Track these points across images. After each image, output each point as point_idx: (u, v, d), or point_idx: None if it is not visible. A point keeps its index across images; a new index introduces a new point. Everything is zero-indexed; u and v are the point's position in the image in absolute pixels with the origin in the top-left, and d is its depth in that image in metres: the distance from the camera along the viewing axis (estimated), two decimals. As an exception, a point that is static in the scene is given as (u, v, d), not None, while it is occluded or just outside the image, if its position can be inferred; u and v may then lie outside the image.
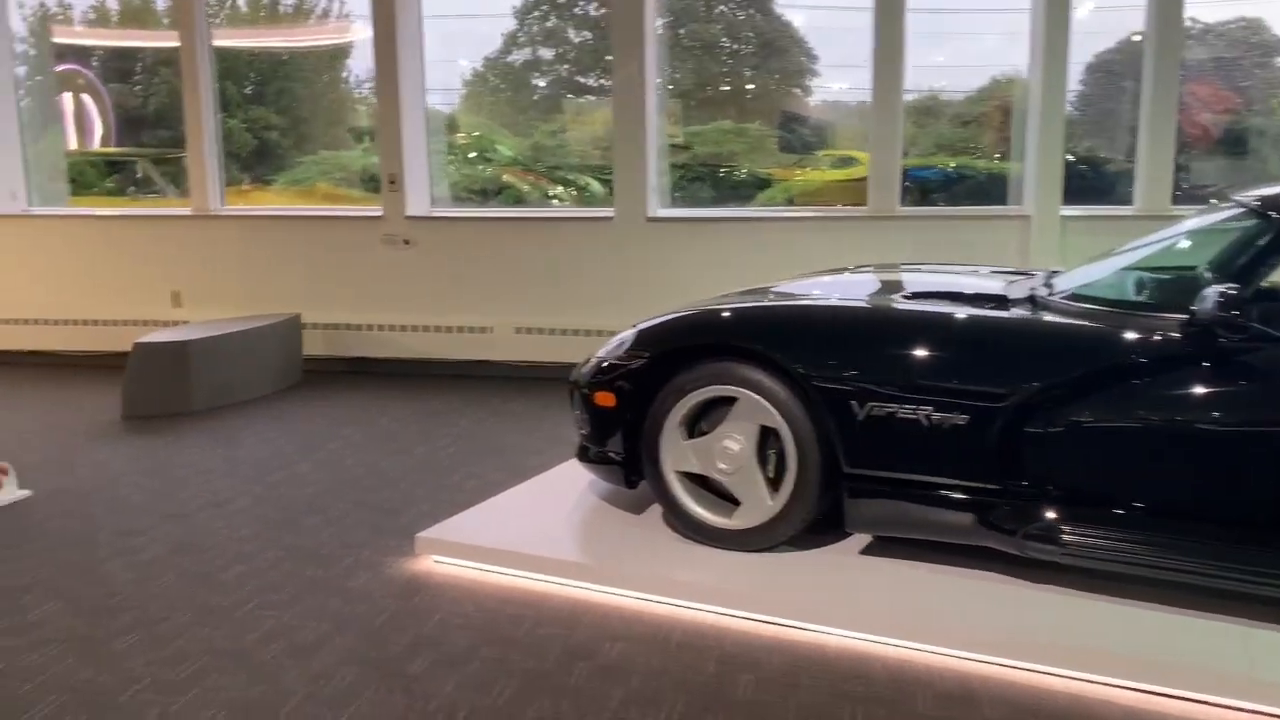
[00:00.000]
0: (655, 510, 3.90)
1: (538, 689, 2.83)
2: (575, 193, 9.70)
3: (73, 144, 8.97)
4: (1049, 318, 3.29)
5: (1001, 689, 2.79)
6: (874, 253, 6.03)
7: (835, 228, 6.56)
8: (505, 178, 9.65)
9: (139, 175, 9.90)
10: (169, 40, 9.97)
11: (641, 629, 3.17)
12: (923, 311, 3.36)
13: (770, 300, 3.81)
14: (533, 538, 3.71)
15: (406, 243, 7.00)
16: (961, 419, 3.11)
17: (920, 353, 3.21)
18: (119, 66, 11.22)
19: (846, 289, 4.05)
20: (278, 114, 10.68)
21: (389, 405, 6.28)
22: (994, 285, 3.86)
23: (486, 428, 5.71)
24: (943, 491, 3.18)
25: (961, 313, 3.32)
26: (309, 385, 6.83)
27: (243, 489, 4.66)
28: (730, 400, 3.48)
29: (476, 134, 9.47)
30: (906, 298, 3.59)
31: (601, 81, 10.99)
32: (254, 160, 8.56)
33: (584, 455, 3.92)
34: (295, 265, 7.22)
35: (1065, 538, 3.04)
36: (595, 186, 9.50)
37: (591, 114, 10.90)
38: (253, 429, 5.74)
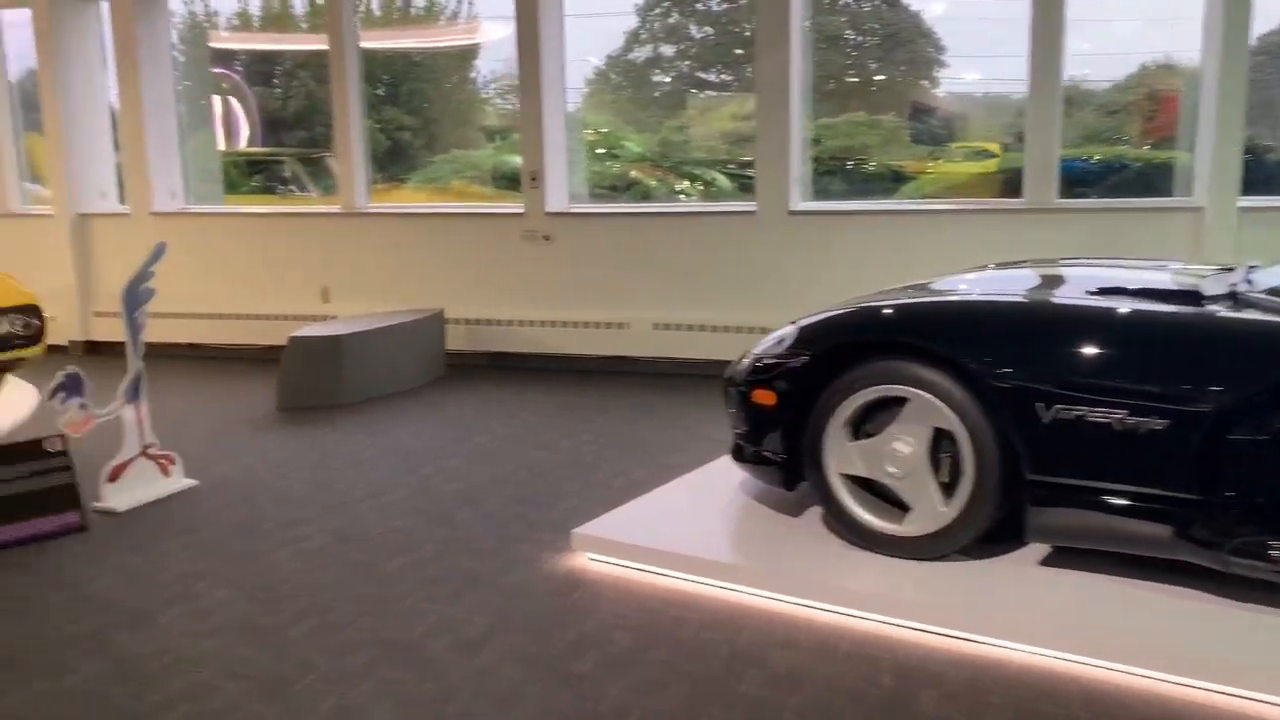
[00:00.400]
0: (813, 512, 3.79)
1: (708, 695, 2.75)
2: (702, 187, 9.63)
3: (220, 145, 9.32)
4: (1258, 316, 3.04)
5: (1208, 715, 2.59)
6: (1030, 248, 5.77)
7: (985, 221, 6.30)
8: (633, 173, 9.65)
9: (286, 174, 10.24)
10: (314, 43, 10.27)
11: (807, 637, 3.07)
12: (1117, 308, 3.15)
13: (936, 296, 3.65)
14: (689, 538, 3.65)
15: (546, 238, 7.03)
16: (1159, 424, 2.90)
17: (1114, 352, 3.02)
18: (260, 70, 11.63)
19: (1014, 284, 3.85)
20: (409, 115, 10.92)
21: (530, 400, 6.31)
22: (1184, 281, 3.62)
23: (627, 424, 5.68)
24: (1137, 501, 2.98)
25: (1160, 309, 3.10)
26: (452, 379, 6.92)
27: (397, 480, 4.73)
28: (899, 401, 3.34)
29: (604, 130, 9.48)
30: (1092, 293, 3.38)
31: (723, 76, 10.89)
32: (387, 160, 8.75)
33: (739, 455, 3.83)
34: (438, 261, 7.33)
35: (1275, 553, 2.81)
36: (722, 181, 9.40)
37: (717, 109, 10.81)
38: (402, 421, 5.84)
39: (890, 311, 3.48)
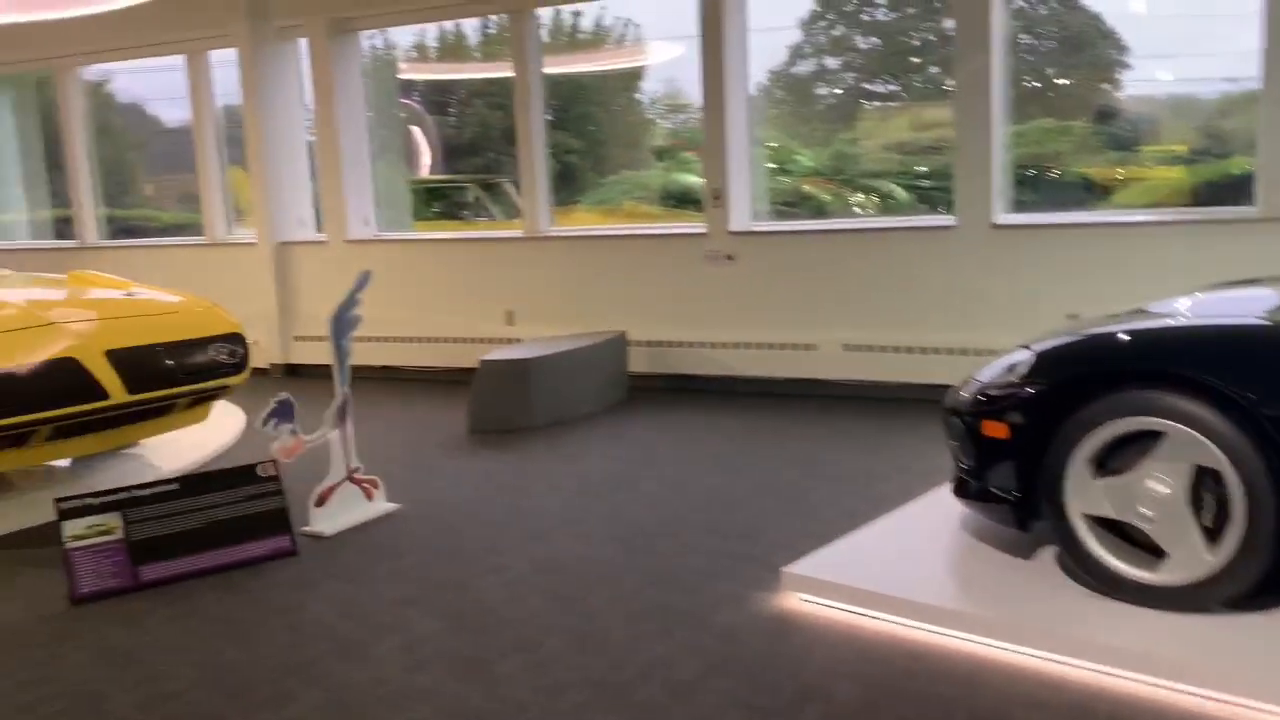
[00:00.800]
0: (1046, 554, 3.48)
1: (954, 760, 2.51)
2: (878, 200, 9.29)
3: (406, 173, 9.60)
4: None
5: None
6: (1271, 263, 5.23)
7: (1210, 233, 5.77)
8: (805, 188, 9.41)
9: (469, 200, 10.47)
10: (490, 72, 10.49)
11: (1058, 697, 2.78)
12: None
13: (1193, 320, 3.29)
14: (911, 580, 3.40)
15: (729, 258, 6.88)
16: None
17: None
18: (436, 100, 11.95)
19: (1260, 305, 3.43)
20: (576, 138, 11.01)
21: (717, 424, 6.16)
22: None
23: (824, 450, 5.45)
24: None
25: None
26: (635, 402, 6.85)
27: (592, 508, 4.66)
28: (1153, 435, 3.01)
29: (775, 145, 9.28)
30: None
31: (890, 87, 10.51)
32: (558, 183, 8.81)
33: (963, 490, 3.56)
34: (619, 282, 7.29)
35: None
36: (899, 193, 9.04)
37: (890, 119, 10.45)
38: (590, 446, 5.78)
39: (1142, 336, 3.15)
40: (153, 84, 10.31)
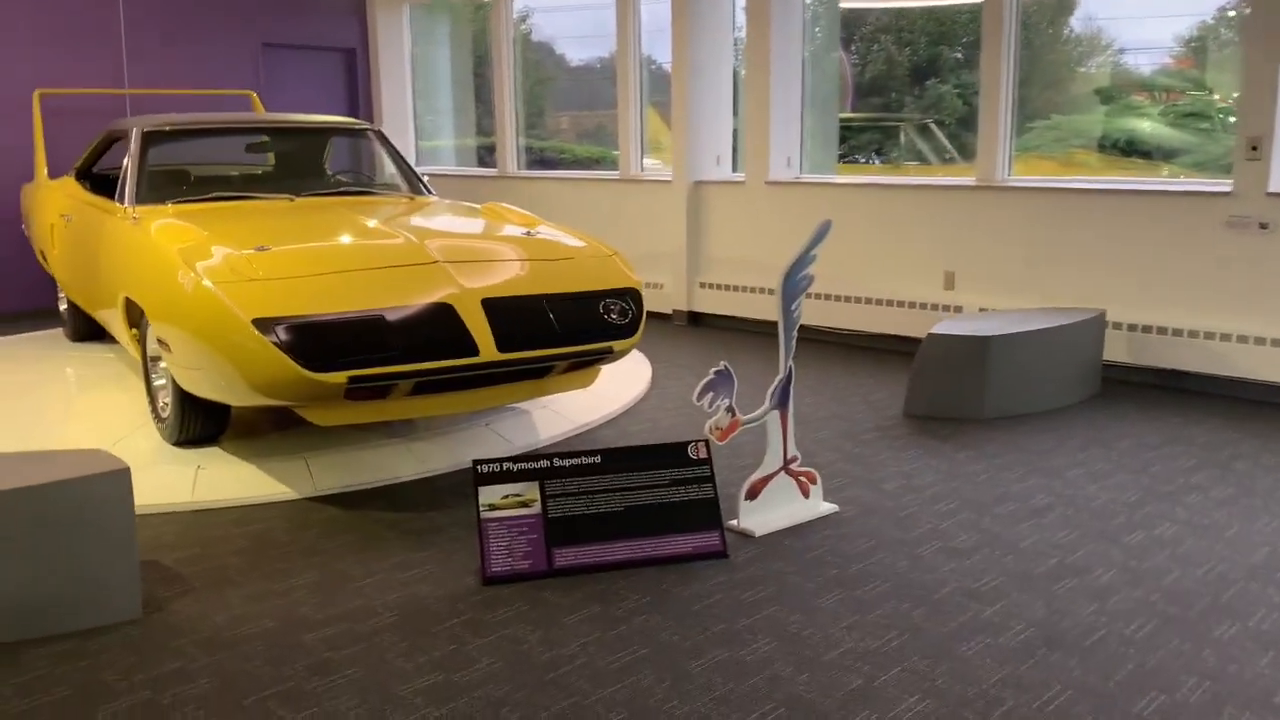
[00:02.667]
0: None
1: None
2: None
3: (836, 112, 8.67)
4: None
5: None
6: None
7: None
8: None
9: (901, 140, 9.39)
10: (903, 4, 9.19)
11: None
12: None
13: None
14: None
15: (1263, 226, 5.33)
16: None
17: None
18: (841, 35, 10.86)
19: None
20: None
21: (1234, 441, 4.75)
22: None
23: None
24: None
25: None
26: (1109, 399, 5.55)
27: (1097, 552, 3.56)
28: None
29: None
30: None
31: None
32: (959, 128, 7.49)
33: None
34: (1094, 249, 5.96)
35: None
36: None
37: None
38: (1065, 454, 4.63)
39: None
40: (562, 24, 10.28)
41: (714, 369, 3.62)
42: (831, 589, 3.28)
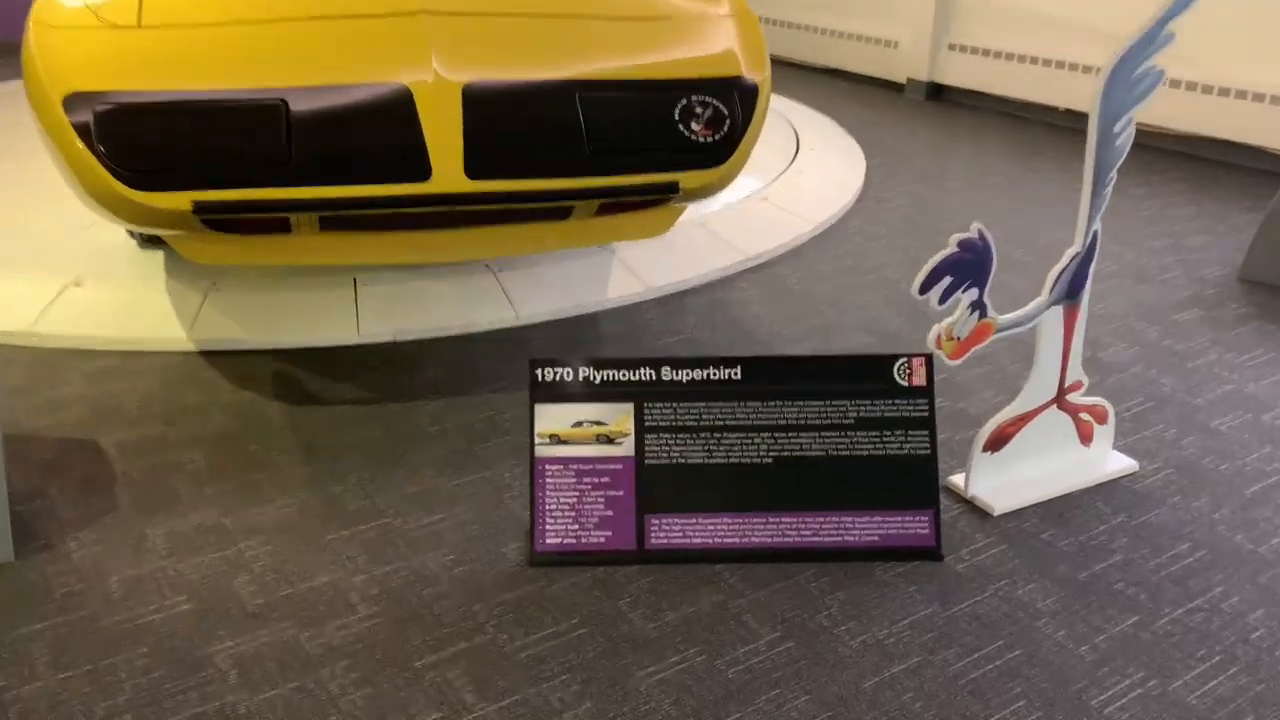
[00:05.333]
0: None
1: None
2: None
3: None
4: None
5: None
6: None
7: None
8: None
9: None
10: None
11: None
12: None
13: None
14: None
15: None
16: None
17: None
18: None
19: None
20: None
21: None
22: None
23: None
24: None
25: None
26: None
27: None
28: None
29: None
30: None
31: None
32: None
33: None
34: None
35: None
36: None
37: None
38: None
39: None
40: None
41: (958, 238, 2.04)
42: (1133, 656, 1.81)
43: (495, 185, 2.39)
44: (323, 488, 2.30)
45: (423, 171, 2.34)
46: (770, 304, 3.28)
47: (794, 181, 4.26)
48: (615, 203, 2.59)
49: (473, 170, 2.36)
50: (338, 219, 2.46)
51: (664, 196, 2.58)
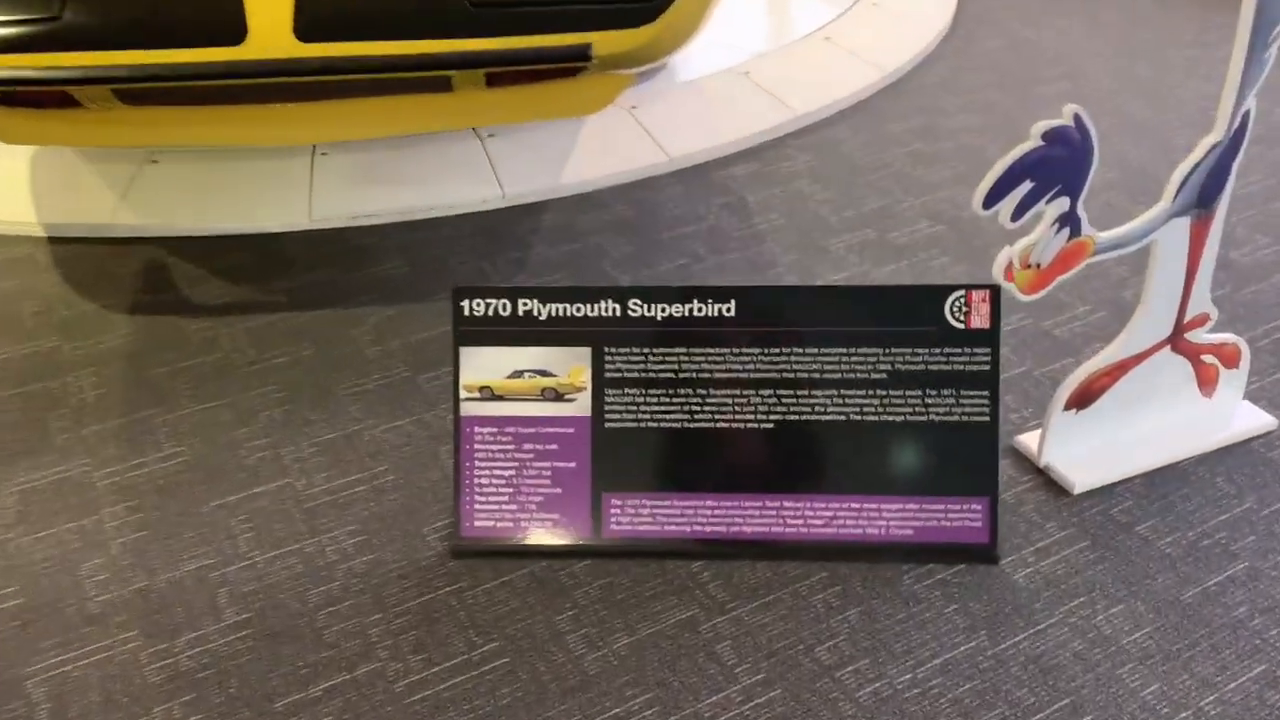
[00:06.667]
0: None
1: None
2: None
3: None
4: None
5: None
6: None
7: None
8: None
9: None
10: None
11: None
12: None
13: None
14: None
15: None
16: None
17: None
18: None
19: None
20: None
21: None
22: None
23: None
24: None
25: None
26: None
27: None
28: None
29: None
30: None
31: None
32: None
33: None
34: None
35: None
36: None
37: None
38: None
39: None
40: None
41: (1043, 126, 1.42)
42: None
43: (335, 49, 1.83)
44: (224, 431, 1.86)
45: (234, 34, 1.80)
46: (820, 180, 2.67)
47: (865, 15, 3.54)
48: (509, 73, 1.97)
49: (304, 31, 1.81)
50: (135, 92, 1.93)
51: (575, 66, 1.94)
